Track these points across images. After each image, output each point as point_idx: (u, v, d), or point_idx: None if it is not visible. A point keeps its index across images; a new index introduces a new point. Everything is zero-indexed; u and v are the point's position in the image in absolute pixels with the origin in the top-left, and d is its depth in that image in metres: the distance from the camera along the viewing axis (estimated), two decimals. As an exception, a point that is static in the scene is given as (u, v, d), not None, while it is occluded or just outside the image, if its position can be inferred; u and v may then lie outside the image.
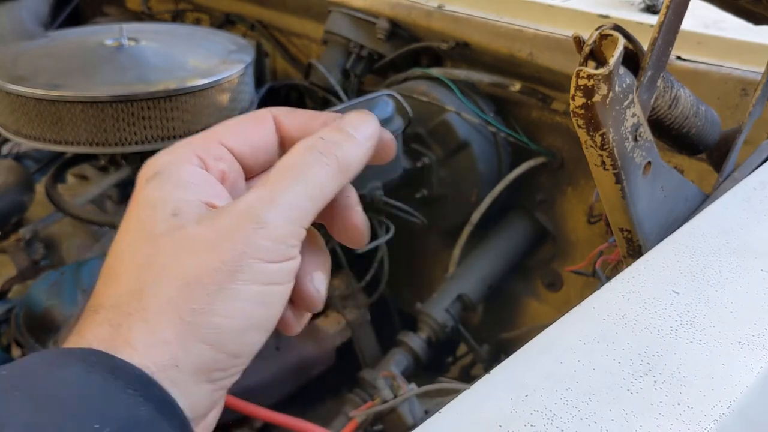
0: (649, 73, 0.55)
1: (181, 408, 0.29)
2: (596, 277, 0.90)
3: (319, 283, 0.37)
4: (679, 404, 0.36)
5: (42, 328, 0.99)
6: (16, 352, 1.00)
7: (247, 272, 0.31)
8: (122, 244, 0.33)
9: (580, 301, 0.45)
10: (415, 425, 0.90)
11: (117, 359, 0.28)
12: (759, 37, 0.92)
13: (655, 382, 0.38)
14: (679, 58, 0.93)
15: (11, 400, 0.26)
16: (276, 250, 0.32)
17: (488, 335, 1.26)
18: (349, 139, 0.37)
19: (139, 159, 1.15)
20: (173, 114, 1.08)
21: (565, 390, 0.37)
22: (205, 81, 1.10)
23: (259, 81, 1.56)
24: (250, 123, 0.37)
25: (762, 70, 0.72)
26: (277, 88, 1.47)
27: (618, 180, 0.56)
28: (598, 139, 0.53)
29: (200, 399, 0.30)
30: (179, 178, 0.33)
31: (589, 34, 0.53)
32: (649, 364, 0.39)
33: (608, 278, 0.88)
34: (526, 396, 0.37)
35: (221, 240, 0.31)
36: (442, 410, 0.36)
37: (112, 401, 0.26)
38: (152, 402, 0.27)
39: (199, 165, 0.35)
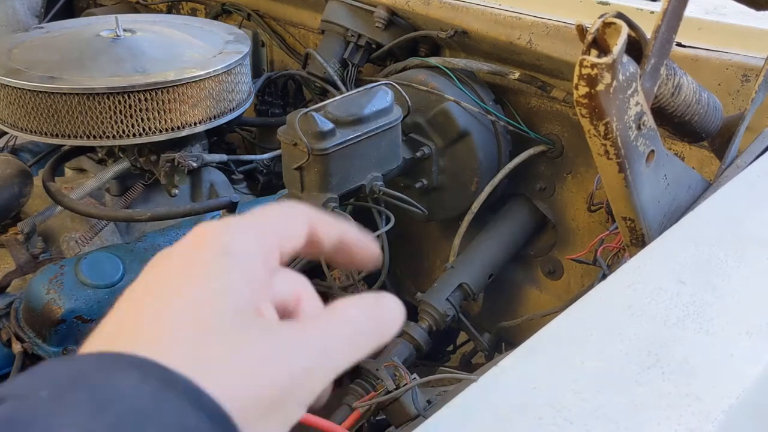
0: (653, 61, 0.54)
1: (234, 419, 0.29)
2: (597, 266, 0.90)
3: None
4: (687, 395, 0.36)
5: (42, 323, 0.98)
6: (16, 346, 1.00)
7: (284, 411, 0.32)
8: (173, 299, 0.32)
9: (581, 289, 0.44)
10: (418, 415, 0.90)
11: (170, 372, 0.29)
12: (760, 22, 0.92)
13: (662, 373, 0.38)
14: (679, 44, 0.92)
15: (71, 403, 0.27)
16: (311, 396, 0.33)
17: (489, 324, 1.26)
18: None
19: (136, 151, 1.15)
20: (171, 105, 1.07)
21: (573, 382, 0.37)
22: (202, 72, 1.09)
23: (256, 71, 1.56)
24: (299, 227, 0.38)
25: (764, 56, 0.71)
26: (274, 79, 1.46)
27: (621, 169, 0.56)
28: (601, 128, 0.53)
29: None
30: (249, 268, 0.34)
31: (591, 22, 0.52)
32: (656, 355, 0.39)
33: (609, 266, 0.88)
34: (534, 388, 0.37)
35: (275, 368, 0.32)
36: (450, 403, 0.36)
37: (165, 408, 0.27)
38: (203, 411, 0.28)
39: (265, 260, 0.35)
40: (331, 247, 0.39)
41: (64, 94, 1.04)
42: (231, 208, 1.09)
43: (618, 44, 0.50)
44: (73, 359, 0.29)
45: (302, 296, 0.37)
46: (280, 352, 0.32)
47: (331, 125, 0.94)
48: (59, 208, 1.12)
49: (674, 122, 0.65)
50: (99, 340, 0.31)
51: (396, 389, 0.91)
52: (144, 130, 1.07)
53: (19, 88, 1.05)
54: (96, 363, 0.29)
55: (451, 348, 1.45)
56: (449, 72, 1.14)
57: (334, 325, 0.34)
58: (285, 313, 0.37)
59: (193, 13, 1.78)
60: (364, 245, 0.41)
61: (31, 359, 1.00)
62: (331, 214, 0.48)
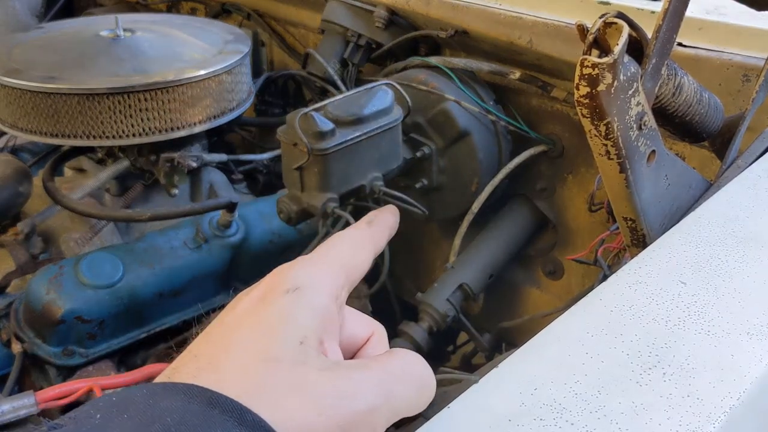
0: (654, 61, 0.54)
1: None
2: (597, 266, 0.90)
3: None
4: (688, 396, 0.36)
5: (42, 323, 0.98)
6: (16, 346, 1.00)
7: None
8: (240, 332, 0.34)
9: (581, 290, 0.44)
10: (418, 415, 0.90)
11: (215, 393, 0.30)
12: (761, 22, 0.92)
13: (664, 374, 0.38)
14: (680, 44, 0.92)
15: (119, 420, 0.28)
16: None
17: (489, 324, 1.26)
18: None
19: (136, 151, 1.15)
20: (171, 105, 1.07)
21: (574, 383, 0.37)
22: (202, 72, 1.09)
23: (256, 71, 1.56)
24: (366, 254, 0.40)
25: (764, 55, 0.71)
26: (274, 79, 1.46)
27: (622, 169, 0.56)
28: (602, 128, 0.53)
29: None
30: (317, 303, 0.35)
31: (592, 22, 0.52)
32: (657, 355, 0.39)
33: (610, 267, 0.88)
34: (535, 389, 0.37)
35: (336, 406, 0.32)
36: (451, 404, 0.36)
37: (209, 424, 0.28)
38: (246, 426, 0.29)
39: (336, 295, 0.36)
40: None
41: (64, 94, 1.04)
42: (231, 208, 1.09)
43: (619, 44, 0.50)
44: (126, 390, 0.31)
45: (372, 339, 0.38)
46: (337, 391, 0.32)
47: (331, 125, 0.94)
48: (59, 208, 1.12)
49: (675, 122, 0.65)
50: (175, 365, 0.33)
51: (396, 389, 0.90)
52: (144, 130, 1.07)
53: (19, 88, 1.05)
54: (146, 391, 0.30)
55: (451, 348, 1.45)
56: (449, 72, 1.14)
57: (405, 372, 0.35)
58: (352, 353, 0.38)
59: (193, 12, 1.78)
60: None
61: (31, 359, 1.00)
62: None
